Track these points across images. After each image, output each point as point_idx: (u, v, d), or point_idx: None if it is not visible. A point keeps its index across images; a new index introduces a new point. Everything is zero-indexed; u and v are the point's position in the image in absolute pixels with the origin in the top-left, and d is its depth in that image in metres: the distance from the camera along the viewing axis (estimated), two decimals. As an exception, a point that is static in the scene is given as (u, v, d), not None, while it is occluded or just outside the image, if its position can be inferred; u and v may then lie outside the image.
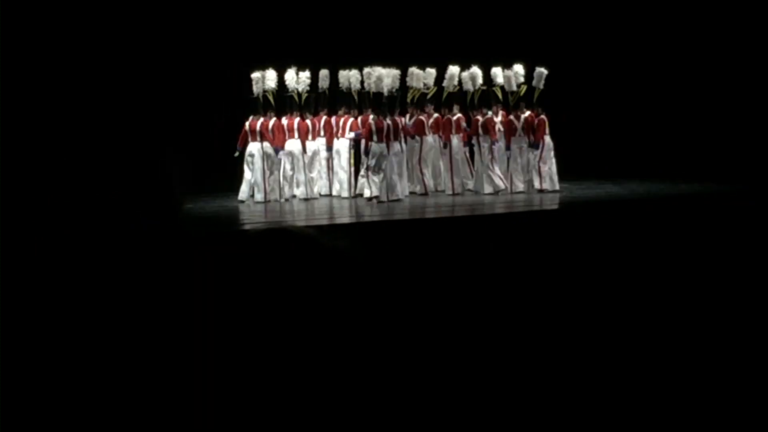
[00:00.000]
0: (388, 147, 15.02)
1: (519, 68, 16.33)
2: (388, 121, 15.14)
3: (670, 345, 6.37)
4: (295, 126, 15.92)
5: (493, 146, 15.73)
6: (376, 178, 14.98)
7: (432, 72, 16.33)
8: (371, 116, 15.40)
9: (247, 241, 2.02)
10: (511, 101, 16.22)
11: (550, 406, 5.36)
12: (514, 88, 16.22)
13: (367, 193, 15.20)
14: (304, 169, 16.03)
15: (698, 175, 16.62)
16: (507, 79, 16.26)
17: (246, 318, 1.76)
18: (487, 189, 15.74)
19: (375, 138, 14.99)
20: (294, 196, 16.02)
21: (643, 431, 5.12)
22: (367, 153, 15.12)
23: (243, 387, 1.74)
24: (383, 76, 15.48)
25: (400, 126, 15.47)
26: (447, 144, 16.21)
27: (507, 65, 16.37)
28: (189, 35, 16.83)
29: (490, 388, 5.58)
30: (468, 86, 16.22)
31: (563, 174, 16.62)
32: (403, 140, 15.63)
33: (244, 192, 15.71)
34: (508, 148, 16.02)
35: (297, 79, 16.04)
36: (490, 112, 15.99)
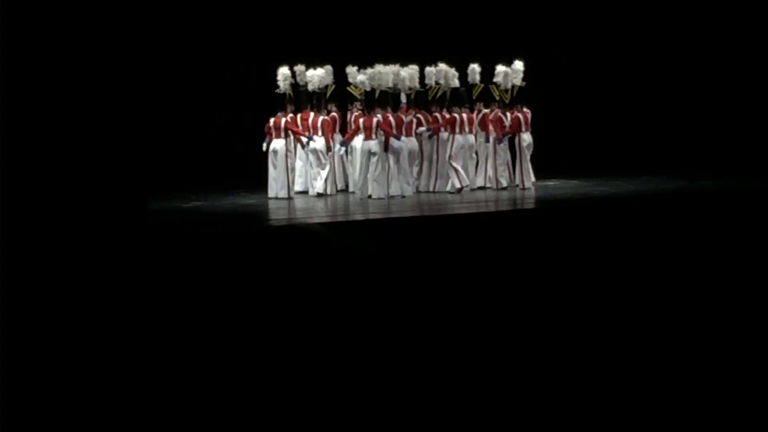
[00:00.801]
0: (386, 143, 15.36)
1: (518, 65, 16.53)
2: (391, 117, 15.38)
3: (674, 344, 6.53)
4: (319, 123, 16.17)
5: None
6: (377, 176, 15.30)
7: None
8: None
9: (264, 238, 2.51)
10: (505, 99, 16.38)
11: (559, 402, 5.54)
12: (509, 85, 16.45)
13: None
14: (327, 166, 16.21)
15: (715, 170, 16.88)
16: (505, 75, 16.46)
17: (257, 311, 2.14)
18: (446, 187, 16.21)
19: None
20: (305, 192, 16.35)
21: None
22: (386, 150, 15.54)
23: (248, 382, 2.06)
24: (380, 74, 15.75)
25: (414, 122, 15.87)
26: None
27: (485, 62, 16.70)
28: (212, 32, 17.30)
29: (495, 380, 5.83)
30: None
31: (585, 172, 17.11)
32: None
33: (271, 188, 16.06)
34: (500, 141, 16.32)
35: (320, 76, 16.37)
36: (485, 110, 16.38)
